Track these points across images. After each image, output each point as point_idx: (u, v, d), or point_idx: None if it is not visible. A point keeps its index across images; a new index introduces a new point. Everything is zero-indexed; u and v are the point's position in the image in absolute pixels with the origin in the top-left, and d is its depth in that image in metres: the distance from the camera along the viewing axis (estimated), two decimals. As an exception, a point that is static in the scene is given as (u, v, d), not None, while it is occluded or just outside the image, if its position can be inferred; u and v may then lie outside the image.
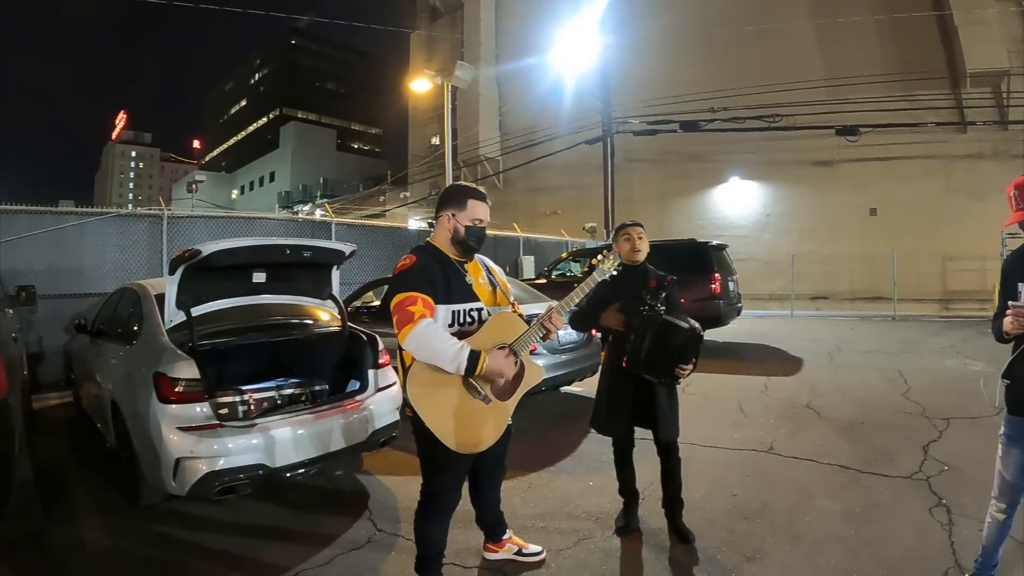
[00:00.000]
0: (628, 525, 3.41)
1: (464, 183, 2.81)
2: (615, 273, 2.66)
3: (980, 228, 16.65)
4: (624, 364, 3.10)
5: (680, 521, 3.28)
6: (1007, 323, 2.34)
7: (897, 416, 5.76)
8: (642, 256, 3.36)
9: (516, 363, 2.49)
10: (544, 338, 2.58)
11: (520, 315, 2.70)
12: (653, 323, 2.98)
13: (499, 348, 2.45)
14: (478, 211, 2.62)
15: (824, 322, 15.30)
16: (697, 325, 3.01)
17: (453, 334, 2.41)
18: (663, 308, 3.05)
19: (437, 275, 2.50)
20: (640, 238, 3.35)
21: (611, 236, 3.49)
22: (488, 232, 2.69)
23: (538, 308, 2.98)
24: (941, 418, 5.54)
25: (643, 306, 3.04)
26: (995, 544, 2.58)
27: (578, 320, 3.37)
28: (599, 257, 2.67)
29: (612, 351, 3.35)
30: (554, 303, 2.62)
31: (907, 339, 11.42)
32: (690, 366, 3.01)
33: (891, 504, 3.70)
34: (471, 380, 2.40)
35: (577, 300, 2.59)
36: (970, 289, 17.35)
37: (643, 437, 3.34)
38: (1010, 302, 2.35)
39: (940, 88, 18.43)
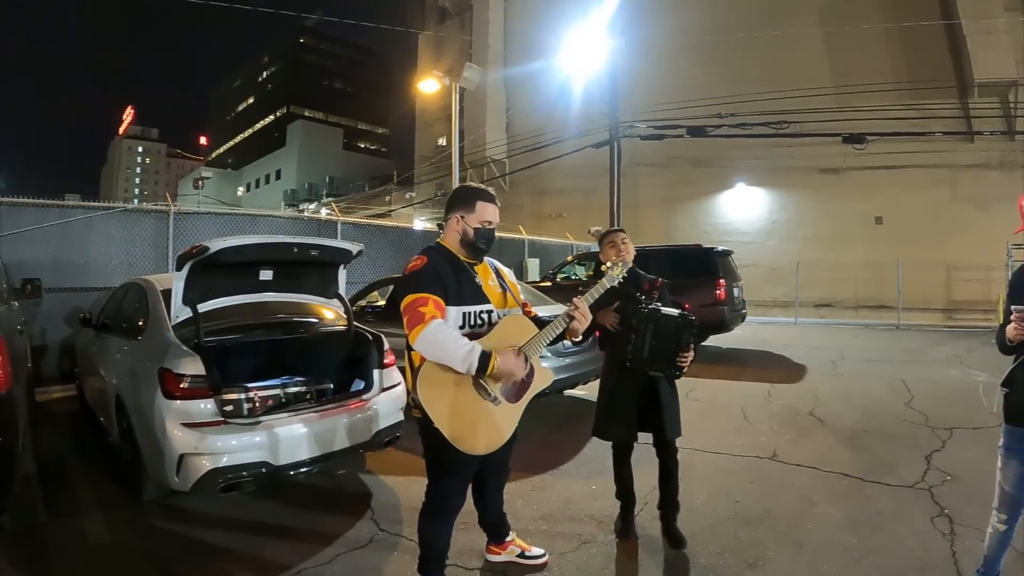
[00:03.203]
0: (627, 529, 3.42)
1: (473, 184, 2.80)
2: (624, 279, 2.67)
3: (985, 238, 16.61)
4: (628, 364, 3.13)
5: (674, 525, 3.28)
6: (1011, 329, 2.34)
7: (900, 425, 5.75)
8: (629, 259, 3.36)
9: (527, 364, 2.49)
10: (566, 333, 2.56)
11: (534, 316, 2.71)
12: (652, 318, 3.05)
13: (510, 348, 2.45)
14: (487, 213, 2.61)
15: (828, 330, 15.26)
16: (687, 311, 3.09)
17: (463, 336, 2.40)
18: (659, 304, 3.14)
19: (448, 276, 2.50)
20: (624, 243, 3.43)
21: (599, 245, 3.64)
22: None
23: (544, 311, 2.99)
24: (944, 428, 5.53)
25: (639, 304, 3.11)
26: (996, 555, 2.58)
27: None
28: (608, 263, 2.67)
29: (611, 355, 3.36)
30: (579, 297, 2.59)
31: (911, 348, 11.39)
32: (690, 353, 3.06)
33: (893, 513, 3.70)
34: (481, 381, 2.40)
35: (593, 299, 2.60)
36: (974, 299, 17.27)
37: (643, 442, 3.34)
38: (1013, 307, 2.35)
39: (948, 97, 18.38)
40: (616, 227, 3.55)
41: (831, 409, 6.41)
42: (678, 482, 3.32)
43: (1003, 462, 2.50)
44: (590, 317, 2.58)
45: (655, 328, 3.04)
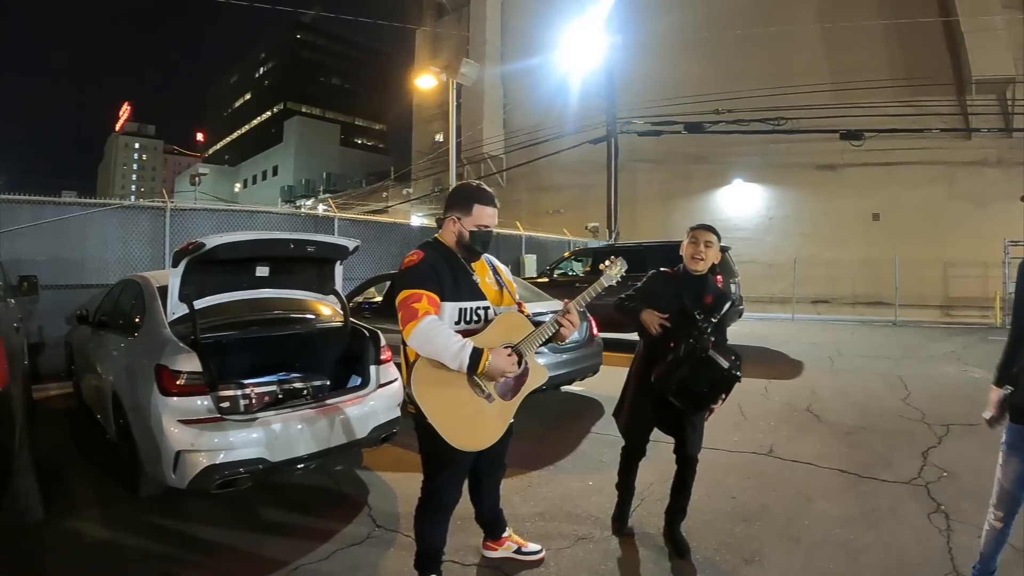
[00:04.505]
0: (623, 524, 3.41)
1: (472, 185, 2.68)
2: (620, 280, 2.65)
3: (982, 235, 16.66)
4: (653, 381, 2.98)
5: (678, 530, 3.23)
6: None
7: (897, 421, 5.76)
8: (703, 267, 3.08)
9: (520, 363, 2.48)
10: (555, 337, 2.55)
11: (526, 315, 2.70)
12: (695, 355, 2.84)
13: (504, 347, 2.45)
14: (483, 216, 2.56)
15: (825, 326, 15.30)
16: (738, 364, 2.86)
17: (459, 332, 2.39)
18: (712, 338, 2.89)
19: (444, 272, 2.49)
20: (708, 245, 3.06)
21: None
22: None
23: (541, 307, 2.98)
24: (941, 424, 5.54)
25: (693, 329, 2.88)
26: (992, 551, 2.58)
27: (627, 309, 3.17)
28: (607, 263, 2.65)
29: (647, 352, 3.18)
30: (570, 302, 2.58)
31: (908, 345, 11.42)
32: (718, 404, 2.95)
33: (890, 509, 3.70)
34: (475, 378, 2.39)
35: (585, 303, 2.58)
36: (972, 296, 17.34)
37: (652, 440, 3.33)
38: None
39: (945, 94, 18.41)
40: (705, 224, 3.13)
41: (828, 405, 6.42)
42: (691, 493, 3.24)
43: (1004, 459, 2.48)
44: (578, 324, 2.58)
45: (694, 366, 2.83)
